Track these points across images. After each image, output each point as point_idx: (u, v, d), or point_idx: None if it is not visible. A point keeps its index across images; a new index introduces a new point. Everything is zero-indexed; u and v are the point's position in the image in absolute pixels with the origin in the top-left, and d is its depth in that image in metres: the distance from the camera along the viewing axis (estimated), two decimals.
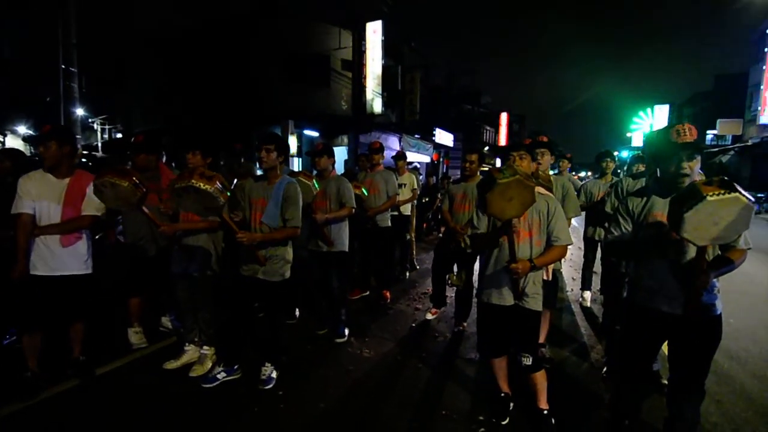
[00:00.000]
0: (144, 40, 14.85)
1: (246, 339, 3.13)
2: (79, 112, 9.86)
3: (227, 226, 2.71)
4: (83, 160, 9.67)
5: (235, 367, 3.02)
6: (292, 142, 13.11)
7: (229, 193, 2.54)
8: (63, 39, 7.66)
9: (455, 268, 4.24)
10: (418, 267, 6.56)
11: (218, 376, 2.95)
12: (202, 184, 2.41)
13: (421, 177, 9.13)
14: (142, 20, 14.79)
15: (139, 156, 3.35)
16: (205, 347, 3.18)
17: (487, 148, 33.04)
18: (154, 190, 3.24)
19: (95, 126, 19.06)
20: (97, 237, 6.59)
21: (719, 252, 1.95)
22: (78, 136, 8.06)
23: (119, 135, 18.88)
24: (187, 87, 13.74)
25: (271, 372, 2.97)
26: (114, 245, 3.73)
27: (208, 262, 3.09)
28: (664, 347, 2.18)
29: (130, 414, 2.63)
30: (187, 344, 3.25)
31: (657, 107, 34.44)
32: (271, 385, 2.92)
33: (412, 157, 16.65)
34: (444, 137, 22.82)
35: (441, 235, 4.39)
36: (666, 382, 2.53)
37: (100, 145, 18.16)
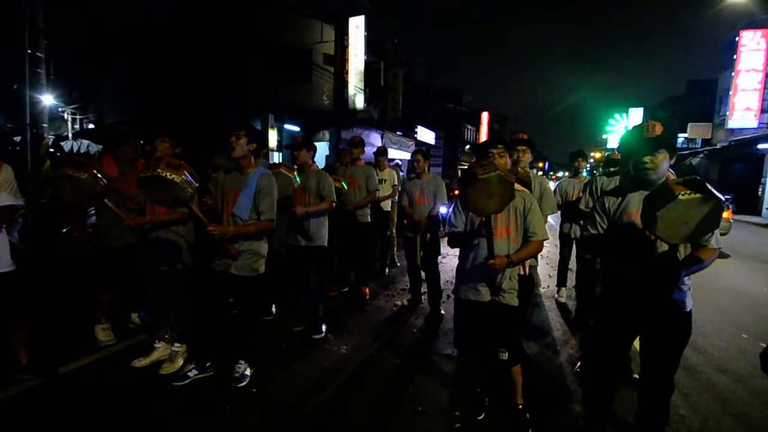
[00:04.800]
0: (118, 27, 14.32)
1: (219, 335, 3.04)
2: (49, 100, 9.40)
3: (197, 219, 2.61)
4: (50, 150, 9.26)
5: (208, 364, 2.94)
6: (273, 136, 12.89)
7: (197, 184, 2.44)
8: (29, 22, 7.30)
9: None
10: (398, 264, 6.55)
11: (189, 373, 2.86)
12: (168, 174, 2.30)
13: (402, 174, 9.12)
14: (117, 5, 14.24)
15: (126, 147, 3.25)
16: (176, 344, 3.08)
17: (468, 146, 33.34)
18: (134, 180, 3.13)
19: (66, 116, 18.31)
20: (64, 231, 6.32)
21: (690, 250, 1.99)
22: (45, 125, 7.69)
23: (91, 125, 18.20)
24: (164, 77, 13.33)
25: (244, 369, 2.90)
26: (84, 240, 3.58)
27: (179, 256, 2.98)
28: (636, 342, 2.22)
29: (95, 414, 2.52)
30: (157, 341, 3.14)
31: (632, 110, 35.31)
32: (244, 383, 2.84)
33: (393, 154, 16.62)
34: (426, 135, 22.88)
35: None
36: (637, 376, 2.59)
37: (70, 134, 17.45)
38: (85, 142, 14.86)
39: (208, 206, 2.81)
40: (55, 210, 6.74)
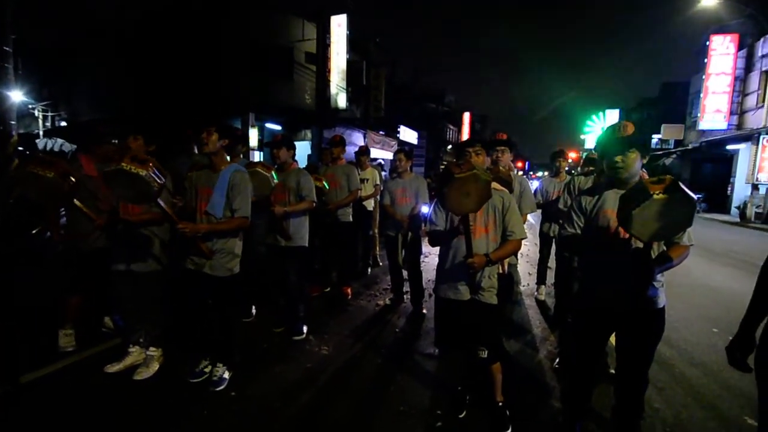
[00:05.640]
0: (95, 23, 13.88)
1: (195, 336, 2.97)
2: (18, 97, 9.05)
3: (166, 216, 2.54)
4: (19, 148, 8.91)
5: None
6: (253, 134, 12.70)
7: (164, 180, 2.38)
8: None
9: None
10: (381, 263, 6.53)
11: (206, 369, 2.89)
12: (132, 168, 2.23)
13: (384, 173, 9.11)
14: (93, 2, 13.79)
15: (107, 146, 3.17)
16: (151, 348, 2.99)
17: (450, 146, 33.58)
18: None
19: (36, 113, 17.67)
20: (33, 232, 6.07)
21: (664, 247, 2.03)
22: (13, 122, 7.39)
23: (63, 123, 17.61)
24: (141, 75, 12.98)
25: (222, 372, 2.84)
26: (56, 241, 3.45)
27: (153, 257, 2.90)
28: (613, 338, 2.27)
29: (65, 422, 2.42)
30: (131, 345, 3.04)
31: (608, 111, 36.20)
32: (222, 386, 2.79)
33: (376, 153, 16.62)
34: (408, 134, 22.97)
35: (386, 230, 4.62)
36: (613, 371, 2.64)
37: (41, 132, 16.84)
38: (60, 140, 14.37)
39: (178, 207, 2.74)
40: (24, 210, 6.47)
